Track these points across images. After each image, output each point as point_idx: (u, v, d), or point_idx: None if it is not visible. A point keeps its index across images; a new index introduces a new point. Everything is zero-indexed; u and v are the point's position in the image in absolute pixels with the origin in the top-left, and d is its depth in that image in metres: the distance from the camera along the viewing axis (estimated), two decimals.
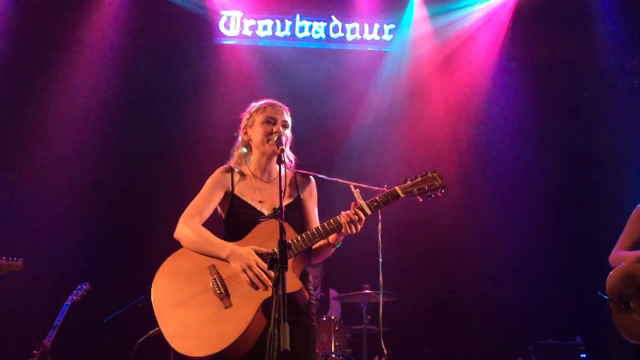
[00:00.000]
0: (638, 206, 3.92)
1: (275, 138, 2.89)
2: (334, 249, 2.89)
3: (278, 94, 3.16)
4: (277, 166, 2.70)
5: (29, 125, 6.76)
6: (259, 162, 3.05)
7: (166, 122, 7.08)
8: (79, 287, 5.58)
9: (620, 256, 3.83)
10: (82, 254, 6.47)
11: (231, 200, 2.99)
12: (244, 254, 2.72)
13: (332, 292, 6.49)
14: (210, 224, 2.97)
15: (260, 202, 2.96)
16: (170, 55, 7.17)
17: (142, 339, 4.43)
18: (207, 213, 2.97)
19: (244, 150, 3.11)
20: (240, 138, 3.14)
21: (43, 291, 6.11)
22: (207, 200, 2.96)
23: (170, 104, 7.11)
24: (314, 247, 2.86)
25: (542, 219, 6.98)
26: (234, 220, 2.96)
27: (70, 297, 5.48)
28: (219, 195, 2.99)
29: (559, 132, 7.18)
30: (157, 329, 2.80)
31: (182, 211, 2.96)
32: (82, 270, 6.13)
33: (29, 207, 6.53)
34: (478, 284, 6.82)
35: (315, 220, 3.03)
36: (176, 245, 2.97)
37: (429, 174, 2.83)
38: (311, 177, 3.10)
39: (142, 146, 6.96)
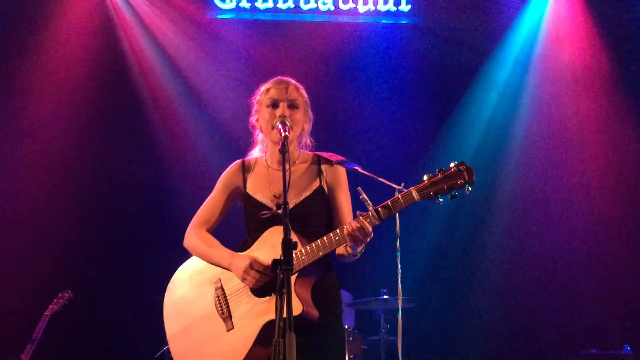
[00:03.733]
0: None
1: (278, 124, 2.67)
2: (355, 258, 2.64)
3: (281, 75, 2.89)
4: (281, 155, 2.45)
5: (6, 119, 6.49)
6: (272, 150, 2.86)
7: (157, 108, 6.77)
8: (59, 295, 5.37)
9: None
10: (63, 259, 6.24)
11: (244, 200, 2.88)
12: (240, 264, 2.63)
13: (346, 296, 5.99)
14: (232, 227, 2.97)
15: (275, 196, 2.78)
16: (159, 32, 6.85)
17: (158, 354, 4.54)
18: (217, 218, 2.91)
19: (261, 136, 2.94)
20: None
21: (20, 300, 5.93)
22: (215, 206, 2.90)
23: (162, 85, 6.79)
24: (336, 252, 2.67)
25: (587, 221, 6.61)
26: (248, 220, 2.87)
27: (50, 307, 5.27)
28: (229, 197, 2.91)
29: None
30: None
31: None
32: (63, 277, 5.93)
33: (4, 208, 6.33)
34: (515, 291, 6.57)
35: (347, 213, 2.79)
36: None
37: (453, 168, 2.42)
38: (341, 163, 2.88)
39: (130, 139, 6.68)
